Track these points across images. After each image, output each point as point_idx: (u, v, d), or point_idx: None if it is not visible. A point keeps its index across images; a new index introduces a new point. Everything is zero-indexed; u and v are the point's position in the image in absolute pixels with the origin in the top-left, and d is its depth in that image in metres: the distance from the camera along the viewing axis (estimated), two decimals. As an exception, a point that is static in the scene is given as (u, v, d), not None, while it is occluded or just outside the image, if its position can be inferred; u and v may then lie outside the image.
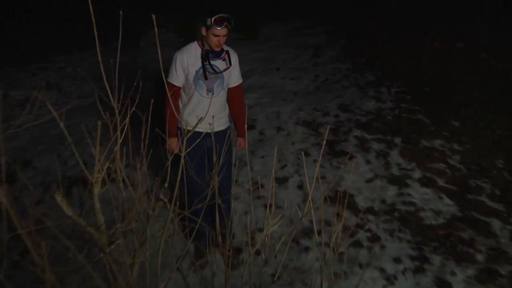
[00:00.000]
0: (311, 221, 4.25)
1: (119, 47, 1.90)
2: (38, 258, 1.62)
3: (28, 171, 5.90)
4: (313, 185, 2.16)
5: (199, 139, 3.30)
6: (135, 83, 1.96)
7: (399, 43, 8.54)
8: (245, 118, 3.83)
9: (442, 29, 8.71)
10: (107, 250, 1.74)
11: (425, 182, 4.97)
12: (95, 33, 1.76)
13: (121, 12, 1.79)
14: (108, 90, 1.82)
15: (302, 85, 7.48)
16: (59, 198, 1.62)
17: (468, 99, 6.64)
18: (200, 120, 2.01)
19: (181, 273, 2.22)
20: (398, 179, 5.02)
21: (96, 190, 1.75)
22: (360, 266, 3.97)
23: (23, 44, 10.03)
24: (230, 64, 3.79)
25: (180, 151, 3.88)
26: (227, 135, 3.94)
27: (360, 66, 8.01)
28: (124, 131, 1.78)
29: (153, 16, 1.73)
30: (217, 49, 3.68)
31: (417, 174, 5.10)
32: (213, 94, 3.81)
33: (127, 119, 1.78)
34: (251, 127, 6.18)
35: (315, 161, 5.37)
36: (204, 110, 3.74)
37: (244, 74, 7.84)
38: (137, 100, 1.94)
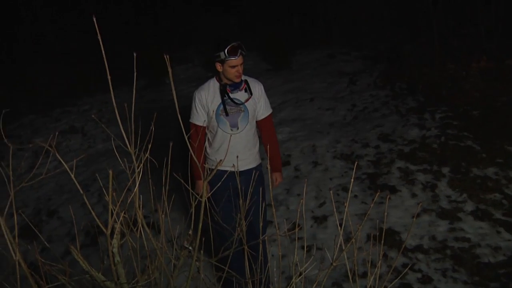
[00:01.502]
0: (353, 264, 4.17)
1: (134, 87, 1.93)
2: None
3: (54, 222, 6.01)
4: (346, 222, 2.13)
5: (224, 177, 3.28)
6: (151, 127, 1.98)
7: (442, 64, 8.46)
8: (279, 151, 3.82)
9: (490, 45, 8.61)
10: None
11: (480, 215, 4.83)
12: (108, 75, 1.80)
13: (134, 54, 1.84)
14: (124, 135, 1.85)
15: (339, 115, 7.47)
16: (74, 252, 1.64)
17: (522, 121, 6.49)
18: (220, 162, 2.02)
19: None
20: (449, 213, 4.90)
21: (115, 241, 1.76)
22: (412, 311, 3.86)
23: (47, 89, 10.36)
24: (251, 94, 3.82)
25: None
26: (259, 173, 3.92)
27: (400, 92, 7.95)
28: (140, 176, 1.79)
29: (166, 57, 1.76)
30: (237, 80, 3.72)
31: (469, 206, 4.96)
32: (238, 129, 3.83)
33: (141, 164, 1.80)
34: (285, 163, 6.17)
35: (355, 196, 5.31)
36: (231, 147, 3.73)
37: (277, 107, 7.89)
38: (150, 143, 1.96)
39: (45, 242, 2.39)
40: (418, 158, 5.85)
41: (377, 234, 4.67)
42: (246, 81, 3.79)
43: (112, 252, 1.76)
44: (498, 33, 8.62)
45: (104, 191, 1.74)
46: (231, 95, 3.73)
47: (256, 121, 3.96)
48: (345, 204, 1.92)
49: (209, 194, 3.83)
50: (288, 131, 7.05)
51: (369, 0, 11.31)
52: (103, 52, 1.69)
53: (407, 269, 4.23)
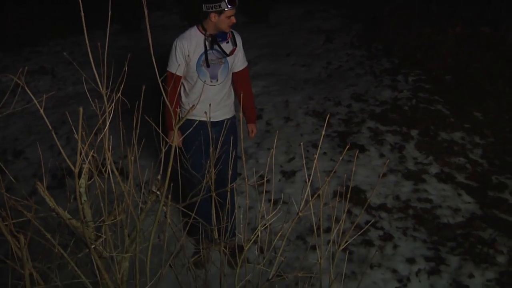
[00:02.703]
0: (319, 218, 4.25)
1: (108, 30, 1.89)
2: (18, 252, 1.64)
3: (20, 162, 5.94)
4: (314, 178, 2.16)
5: (194, 126, 3.32)
6: (124, 69, 1.96)
7: (419, 28, 8.47)
8: (253, 103, 3.81)
9: (467, 13, 8.62)
10: (93, 246, 1.75)
11: (443, 177, 4.94)
12: (82, 17, 1.76)
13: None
14: (97, 77, 1.82)
15: (314, 72, 7.46)
16: (40, 189, 1.63)
17: (493, 90, 6.58)
18: (193, 107, 2.01)
19: (173, 270, 2.23)
20: (414, 174, 5.00)
21: (82, 181, 1.76)
22: (371, 266, 3.96)
23: (16, 28, 10.07)
24: (236, 45, 3.79)
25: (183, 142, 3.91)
26: (232, 123, 3.94)
27: (375, 53, 7.97)
28: (110, 117, 1.78)
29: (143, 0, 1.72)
30: (228, 30, 3.68)
31: (434, 169, 5.07)
32: (217, 81, 3.82)
33: (112, 105, 1.78)
34: (257, 117, 6.18)
35: (325, 154, 5.36)
36: (209, 98, 3.74)
37: (252, 61, 7.84)
38: (122, 85, 1.94)
39: (12, 179, 2.37)
40: (388, 119, 5.91)
41: (343, 191, 4.76)
42: (232, 32, 3.76)
43: (80, 192, 1.76)
44: (475, 2, 8.64)
45: (74, 130, 1.72)
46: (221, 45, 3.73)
47: (232, 73, 3.94)
48: (314, 160, 1.94)
49: (180, 140, 3.84)
50: (262, 85, 7.03)
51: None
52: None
53: (368, 225, 4.33)
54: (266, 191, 4.88)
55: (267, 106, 6.45)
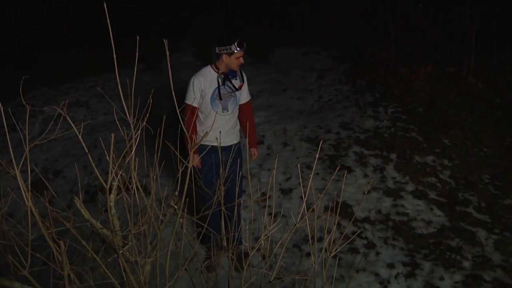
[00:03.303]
0: (313, 229, 4.23)
1: (135, 69, 1.93)
2: (58, 256, 1.64)
3: (59, 180, 5.95)
4: (309, 195, 2.16)
5: (205, 151, 3.43)
6: (149, 101, 1.99)
7: (396, 68, 8.53)
8: (255, 130, 3.84)
9: (436, 54, 8.69)
10: (121, 251, 1.75)
11: (418, 194, 4.93)
12: (114, 56, 1.79)
13: (137, 37, 1.83)
14: (125, 107, 1.85)
15: (307, 104, 7.49)
16: (77, 203, 1.64)
17: (457, 120, 6.60)
18: (206, 134, 2.03)
19: (188, 273, 2.22)
20: (393, 192, 4.99)
21: (112, 196, 1.77)
22: (357, 271, 3.93)
23: (59, 69, 10.15)
24: (243, 81, 3.88)
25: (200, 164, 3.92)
26: (238, 148, 3.97)
27: (360, 88, 8.01)
28: (136, 143, 1.80)
29: (166, 42, 1.75)
30: (238, 69, 3.77)
31: (410, 187, 5.06)
32: (228, 112, 3.86)
33: (138, 132, 1.80)
34: (259, 143, 6.19)
35: (317, 174, 5.36)
36: (220, 127, 3.79)
37: (255, 95, 7.88)
38: (147, 115, 1.97)
39: (54, 193, 2.38)
40: (371, 145, 5.92)
41: (333, 206, 4.74)
42: (240, 70, 3.82)
43: (110, 206, 1.76)
44: (443, 45, 8.71)
45: (106, 153, 1.74)
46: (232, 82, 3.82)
47: (239, 105, 3.97)
48: (309, 179, 1.94)
49: (199, 160, 3.86)
50: (263, 115, 7.06)
51: (339, 10, 11.29)
52: (111, 34, 1.67)
53: (355, 235, 4.31)
54: (267, 206, 4.86)
55: (268, 133, 6.46)
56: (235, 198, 4.04)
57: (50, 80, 9.79)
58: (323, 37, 11.39)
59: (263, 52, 10.45)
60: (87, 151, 1.75)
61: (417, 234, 4.34)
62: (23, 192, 1.58)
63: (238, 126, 4.05)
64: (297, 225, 2.01)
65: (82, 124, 1.85)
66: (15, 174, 1.59)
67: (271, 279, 2.11)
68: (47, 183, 2.10)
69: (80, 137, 1.70)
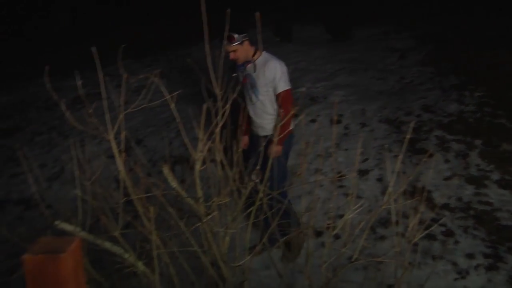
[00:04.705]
0: (388, 212, 4.13)
1: (223, 42, 1.95)
2: (146, 221, 1.71)
3: (139, 149, 6.21)
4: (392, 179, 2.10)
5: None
6: (234, 74, 2.00)
7: (483, 50, 8.01)
8: (283, 126, 3.71)
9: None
10: (204, 220, 1.80)
11: (503, 184, 4.66)
12: (205, 29, 1.81)
13: (228, 10, 1.84)
14: (213, 79, 1.87)
15: (388, 85, 7.25)
16: (166, 170, 1.69)
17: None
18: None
19: (266, 247, 2.25)
20: (476, 179, 4.75)
21: (198, 166, 1.81)
22: (433, 258, 3.81)
23: (144, 39, 10.49)
24: (249, 76, 3.93)
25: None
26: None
27: (444, 70, 7.61)
28: (225, 116, 1.82)
29: (257, 15, 1.74)
30: (238, 63, 3.89)
31: (495, 176, 4.79)
32: (251, 102, 3.99)
33: (228, 105, 1.82)
34: (337, 122, 6.10)
35: (395, 156, 5.21)
36: (251, 115, 4.04)
37: (333, 73, 7.75)
38: (237, 89, 1.98)
39: (141, 157, 2.48)
40: (454, 129, 5.64)
41: (411, 190, 4.60)
42: (254, 64, 3.90)
43: (195, 176, 1.81)
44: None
45: (196, 124, 1.77)
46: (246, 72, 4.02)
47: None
48: (386, 162, 1.89)
49: (243, 143, 4.12)
50: (341, 94, 6.92)
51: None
52: (203, 8, 1.68)
53: (436, 225, 4.16)
54: (342, 186, 4.81)
55: (346, 112, 6.34)
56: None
57: (136, 52, 10.16)
58: (406, 15, 10.92)
59: (342, 30, 10.22)
60: (178, 120, 1.79)
61: (501, 226, 4.11)
62: (116, 156, 1.66)
63: (268, 119, 4.02)
64: (384, 207, 1.96)
65: (176, 93, 1.91)
66: (110, 139, 1.67)
67: (352, 260, 2.09)
68: (136, 146, 2.19)
69: (173, 106, 1.75)
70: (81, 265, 0.98)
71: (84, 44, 9.80)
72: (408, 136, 2.09)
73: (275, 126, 3.94)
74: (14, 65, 9.53)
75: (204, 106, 1.69)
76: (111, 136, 1.66)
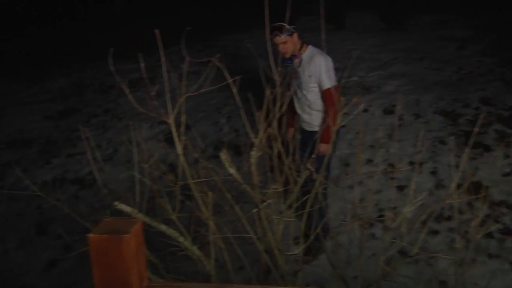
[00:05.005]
0: (442, 207, 4.01)
1: (274, 33, 1.92)
2: (203, 206, 1.72)
3: (191, 134, 6.28)
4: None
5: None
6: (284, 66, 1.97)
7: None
8: (329, 124, 3.61)
9: None
10: (262, 206, 1.79)
11: None
12: (266, 12, 1.78)
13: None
14: (273, 65, 1.85)
15: (445, 76, 6.99)
16: (223, 156, 1.69)
17: None
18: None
19: (319, 236, 2.23)
20: (539, 177, 4.52)
21: (255, 153, 1.80)
22: (489, 256, 3.68)
23: (196, 24, 10.56)
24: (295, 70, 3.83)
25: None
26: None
27: (507, 61, 7.26)
28: (286, 103, 1.80)
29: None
30: (286, 56, 3.73)
31: (560, 175, 4.55)
32: (296, 94, 3.91)
33: (289, 92, 1.79)
34: (390, 112, 5.95)
35: (451, 150, 5.03)
36: (296, 109, 3.97)
37: (388, 62, 7.56)
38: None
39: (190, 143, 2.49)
40: (516, 124, 5.38)
41: (467, 185, 4.44)
42: (301, 59, 3.82)
43: (251, 162, 1.80)
44: None
45: (255, 109, 1.76)
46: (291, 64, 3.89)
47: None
48: (441, 155, 1.81)
49: (288, 136, 4.11)
50: (396, 84, 6.74)
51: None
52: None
53: (494, 223, 4.01)
54: (393, 178, 4.70)
55: (399, 103, 6.17)
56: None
57: (185, 38, 10.26)
58: (466, 3, 10.47)
59: (397, 18, 9.93)
60: (240, 105, 1.79)
61: None
62: (175, 140, 1.68)
63: (313, 115, 3.93)
64: (447, 201, 1.90)
65: (232, 79, 1.90)
66: (170, 122, 1.69)
67: (412, 254, 2.03)
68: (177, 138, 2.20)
69: (235, 90, 1.74)
70: (143, 246, 1.00)
71: (139, 27, 9.98)
72: (476, 129, 2.00)
73: (321, 124, 3.89)
74: (72, 48, 9.85)
75: (267, 91, 1.68)
76: (171, 120, 1.68)
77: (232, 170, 1.74)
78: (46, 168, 6.26)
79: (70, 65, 9.54)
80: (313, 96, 3.83)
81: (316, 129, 3.91)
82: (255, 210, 1.84)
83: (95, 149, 6.68)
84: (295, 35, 3.71)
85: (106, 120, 7.26)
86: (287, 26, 3.58)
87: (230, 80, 1.72)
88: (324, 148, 3.54)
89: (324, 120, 3.87)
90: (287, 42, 3.66)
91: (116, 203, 1.55)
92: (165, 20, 10.35)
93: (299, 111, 3.96)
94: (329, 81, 3.74)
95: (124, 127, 6.89)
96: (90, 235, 0.92)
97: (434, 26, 9.74)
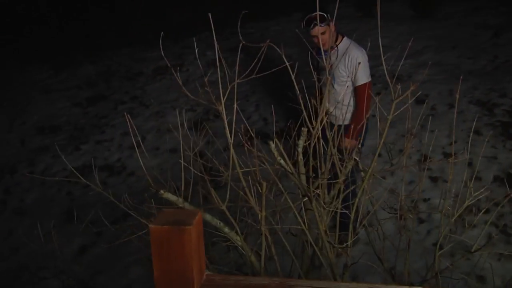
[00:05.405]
0: (478, 200, 3.91)
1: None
2: (251, 197, 1.69)
3: (218, 122, 6.27)
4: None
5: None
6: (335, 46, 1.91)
7: None
8: (357, 120, 3.48)
9: None
10: (311, 196, 1.75)
11: None
12: None
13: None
14: (315, 54, 1.79)
15: (479, 65, 6.81)
16: (272, 145, 1.66)
17: None
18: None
19: (366, 230, 2.19)
20: None
21: (300, 141, 1.76)
22: (529, 251, 3.57)
23: (224, 11, 10.49)
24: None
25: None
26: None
27: (547, 50, 7.03)
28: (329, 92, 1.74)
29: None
30: (324, 48, 3.49)
31: None
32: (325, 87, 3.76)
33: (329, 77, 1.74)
34: (421, 102, 5.82)
35: (487, 141, 4.90)
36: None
37: (419, 51, 7.39)
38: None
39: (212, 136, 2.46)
40: (555, 114, 5.21)
41: (504, 177, 4.33)
42: (337, 50, 3.68)
43: (298, 151, 1.76)
44: None
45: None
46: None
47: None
48: (476, 146, 1.74)
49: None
50: (427, 73, 6.59)
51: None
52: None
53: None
54: (427, 169, 4.61)
55: (432, 92, 6.04)
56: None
57: (214, 25, 10.21)
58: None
59: (428, 5, 9.69)
60: (298, 93, 1.74)
61: None
62: (226, 128, 1.65)
63: (343, 110, 3.78)
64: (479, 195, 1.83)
65: (291, 63, 1.86)
66: (221, 110, 1.66)
67: (473, 250, 1.97)
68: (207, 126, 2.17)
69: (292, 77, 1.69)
70: (202, 238, 0.97)
71: (167, 15, 9.93)
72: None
73: (351, 119, 3.78)
74: (100, 35, 9.90)
75: (314, 78, 1.63)
76: (222, 106, 1.65)
77: (280, 159, 1.71)
78: (76, 154, 6.32)
79: (97, 52, 9.60)
80: (343, 90, 3.67)
81: (345, 123, 3.82)
82: (304, 199, 1.80)
83: (121, 136, 6.74)
84: (332, 25, 3.53)
85: (133, 107, 7.29)
86: (326, 15, 3.42)
87: (286, 64, 1.68)
88: (353, 143, 3.46)
89: (353, 115, 3.78)
90: (325, 32, 3.47)
91: (161, 191, 1.52)
92: (191, 8, 10.32)
93: (327, 104, 3.86)
94: (364, 77, 3.62)
95: (152, 115, 6.92)
96: (151, 226, 0.89)
97: (467, 13, 9.48)
